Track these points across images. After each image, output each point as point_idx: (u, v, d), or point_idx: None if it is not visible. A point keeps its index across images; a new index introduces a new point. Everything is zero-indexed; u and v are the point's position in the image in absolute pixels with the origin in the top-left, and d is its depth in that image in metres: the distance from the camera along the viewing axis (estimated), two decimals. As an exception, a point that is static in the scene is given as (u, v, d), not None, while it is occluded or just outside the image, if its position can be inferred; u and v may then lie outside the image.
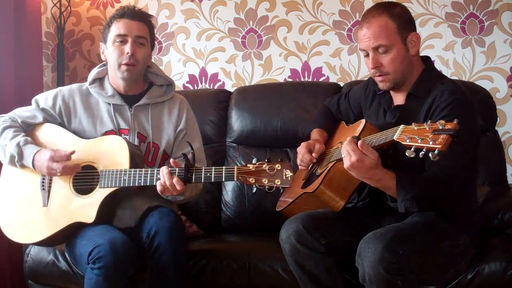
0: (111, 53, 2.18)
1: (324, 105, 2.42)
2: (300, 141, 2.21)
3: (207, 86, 3.38)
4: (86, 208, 2.06)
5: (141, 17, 2.20)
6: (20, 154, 2.11)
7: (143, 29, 2.19)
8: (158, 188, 1.98)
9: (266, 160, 1.89)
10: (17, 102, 2.83)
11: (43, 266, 2.40)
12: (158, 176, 1.98)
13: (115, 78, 2.23)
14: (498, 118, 2.72)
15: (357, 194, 2.16)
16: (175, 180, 1.94)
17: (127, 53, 2.14)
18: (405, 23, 1.95)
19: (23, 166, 2.14)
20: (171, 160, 2.00)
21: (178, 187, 1.95)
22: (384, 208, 2.01)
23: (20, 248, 2.50)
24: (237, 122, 2.92)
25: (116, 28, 2.16)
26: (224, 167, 1.93)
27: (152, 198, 2.10)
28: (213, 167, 1.95)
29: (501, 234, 2.20)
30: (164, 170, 1.96)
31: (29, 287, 2.50)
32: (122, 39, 2.16)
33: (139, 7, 2.29)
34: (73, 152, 2.08)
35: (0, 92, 2.99)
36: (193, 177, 1.95)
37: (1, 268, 2.84)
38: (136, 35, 2.16)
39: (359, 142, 1.75)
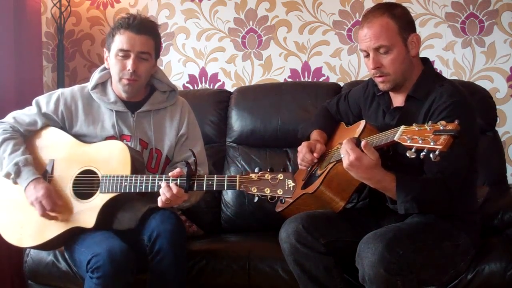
0: (113, 65, 2.15)
1: (323, 106, 2.42)
2: (300, 142, 2.21)
3: (207, 86, 3.38)
4: (86, 213, 2.06)
5: (146, 30, 2.13)
6: (17, 174, 2.09)
7: (148, 43, 2.13)
8: (160, 204, 1.97)
9: (268, 170, 1.87)
10: (17, 102, 2.83)
11: (43, 266, 2.40)
12: (160, 183, 1.97)
13: (117, 87, 2.21)
14: (498, 118, 2.72)
15: (356, 195, 2.16)
16: (175, 191, 1.93)
17: (129, 69, 2.11)
18: (406, 24, 1.95)
19: (16, 183, 2.13)
20: (170, 173, 1.97)
21: (181, 199, 1.95)
22: (384, 208, 2.01)
23: (20, 249, 2.48)
24: (237, 122, 2.92)
25: (120, 42, 2.11)
26: (226, 176, 1.92)
27: (152, 199, 2.09)
28: (215, 176, 1.94)
29: (501, 234, 2.20)
30: (162, 184, 1.95)
31: (29, 287, 2.50)
32: (125, 54, 2.11)
33: (142, 11, 2.25)
34: (59, 205, 2.07)
35: (0, 92, 2.98)
36: (195, 185, 1.95)
37: (1, 268, 2.84)
38: (139, 51, 2.11)
39: (363, 143, 1.74)
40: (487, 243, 2.07)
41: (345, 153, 1.76)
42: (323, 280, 1.95)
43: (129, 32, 2.11)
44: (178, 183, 1.95)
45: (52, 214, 2.07)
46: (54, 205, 2.06)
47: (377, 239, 1.77)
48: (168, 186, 1.94)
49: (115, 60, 2.14)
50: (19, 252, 2.56)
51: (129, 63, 2.11)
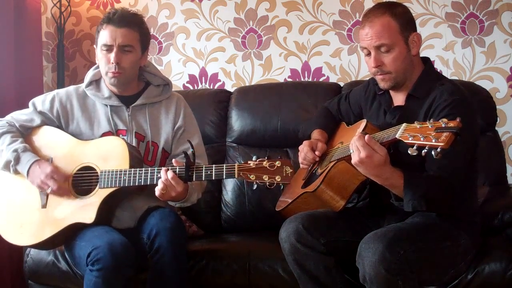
0: (100, 59, 2.18)
1: (324, 106, 2.42)
2: (300, 142, 2.21)
3: (207, 86, 3.38)
4: (86, 208, 2.06)
5: (127, 23, 2.14)
6: (17, 160, 2.11)
7: (129, 35, 2.14)
8: (157, 193, 1.99)
9: (266, 158, 1.90)
10: (17, 102, 2.83)
11: (43, 266, 2.40)
12: (159, 175, 1.98)
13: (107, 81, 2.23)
14: (498, 118, 2.72)
15: (357, 195, 2.16)
16: (170, 175, 1.94)
17: (112, 62, 2.13)
18: (406, 23, 1.96)
19: (16, 172, 2.13)
20: (173, 160, 2.01)
21: (176, 188, 1.95)
22: (384, 208, 2.01)
23: (20, 249, 2.49)
24: (237, 122, 2.92)
25: (103, 36, 2.14)
26: (224, 165, 1.94)
27: (151, 198, 2.10)
28: (213, 165, 1.96)
29: (501, 234, 2.21)
30: (163, 168, 1.98)
31: (29, 287, 2.50)
32: (108, 48, 2.13)
33: (131, 9, 2.24)
34: (70, 176, 2.10)
35: (0, 92, 2.99)
36: (194, 175, 1.96)
37: (1, 268, 2.84)
38: (120, 44, 2.13)
39: (366, 137, 1.74)
40: (487, 243, 2.07)
41: (356, 149, 1.75)
42: (323, 280, 1.95)
43: (111, 26, 2.14)
44: (177, 172, 1.96)
45: (66, 187, 2.08)
46: (65, 177, 2.08)
47: (378, 239, 1.77)
48: (165, 171, 1.95)
49: (100, 54, 2.17)
50: (19, 252, 2.56)
51: (112, 56, 2.13)
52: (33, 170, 2.09)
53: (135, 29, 2.17)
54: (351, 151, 1.77)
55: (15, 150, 2.11)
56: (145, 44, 2.24)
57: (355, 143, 1.75)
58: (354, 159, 1.76)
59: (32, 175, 2.10)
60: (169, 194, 1.98)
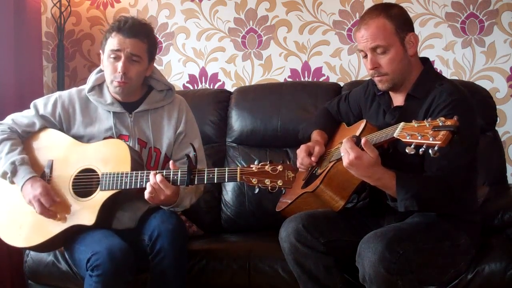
0: (106, 67, 2.17)
1: (324, 107, 2.43)
2: (300, 142, 2.21)
3: (207, 86, 3.39)
4: (86, 210, 2.06)
5: (137, 34, 2.13)
6: (14, 173, 2.10)
7: (138, 46, 2.14)
8: (146, 196, 1.98)
9: (268, 162, 1.90)
10: (17, 102, 2.83)
11: (43, 266, 2.40)
12: None
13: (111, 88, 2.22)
14: (498, 118, 2.72)
15: (356, 195, 2.16)
16: (159, 179, 1.94)
17: (119, 71, 2.12)
18: (402, 23, 1.95)
19: (13, 182, 2.12)
20: (170, 162, 2.00)
21: (164, 192, 1.95)
22: (384, 208, 2.01)
23: (20, 249, 2.49)
24: (237, 122, 2.93)
25: (111, 43, 2.13)
26: (227, 168, 1.94)
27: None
28: (216, 168, 1.96)
29: (501, 234, 2.20)
30: (151, 172, 1.97)
31: (29, 287, 2.50)
32: (115, 55, 2.12)
33: (142, 11, 2.25)
34: (58, 202, 2.07)
35: (0, 92, 2.98)
36: (196, 179, 1.96)
37: (1, 268, 2.84)
38: (129, 53, 2.12)
39: (363, 140, 1.75)
40: (487, 243, 2.07)
41: (345, 152, 1.78)
42: (323, 280, 1.95)
43: (120, 35, 2.12)
44: (179, 177, 1.96)
45: (51, 211, 2.07)
46: (52, 202, 2.06)
47: (378, 238, 1.77)
48: (154, 174, 1.95)
49: (107, 62, 2.16)
50: (19, 252, 2.56)
51: (120, 65, 2.12)
52: (26, 187, 2.08)
53: (144, 40, 2.16)
54: (342, 154, 1.78)
55: (13, 163, 2.09)
56: (153, 55, 2.23)
57: (344, 146, 1.78)
58: (344, 162, 1.78)
59: (24, 192, 2.09)
60: (158, 197, 1.98)
